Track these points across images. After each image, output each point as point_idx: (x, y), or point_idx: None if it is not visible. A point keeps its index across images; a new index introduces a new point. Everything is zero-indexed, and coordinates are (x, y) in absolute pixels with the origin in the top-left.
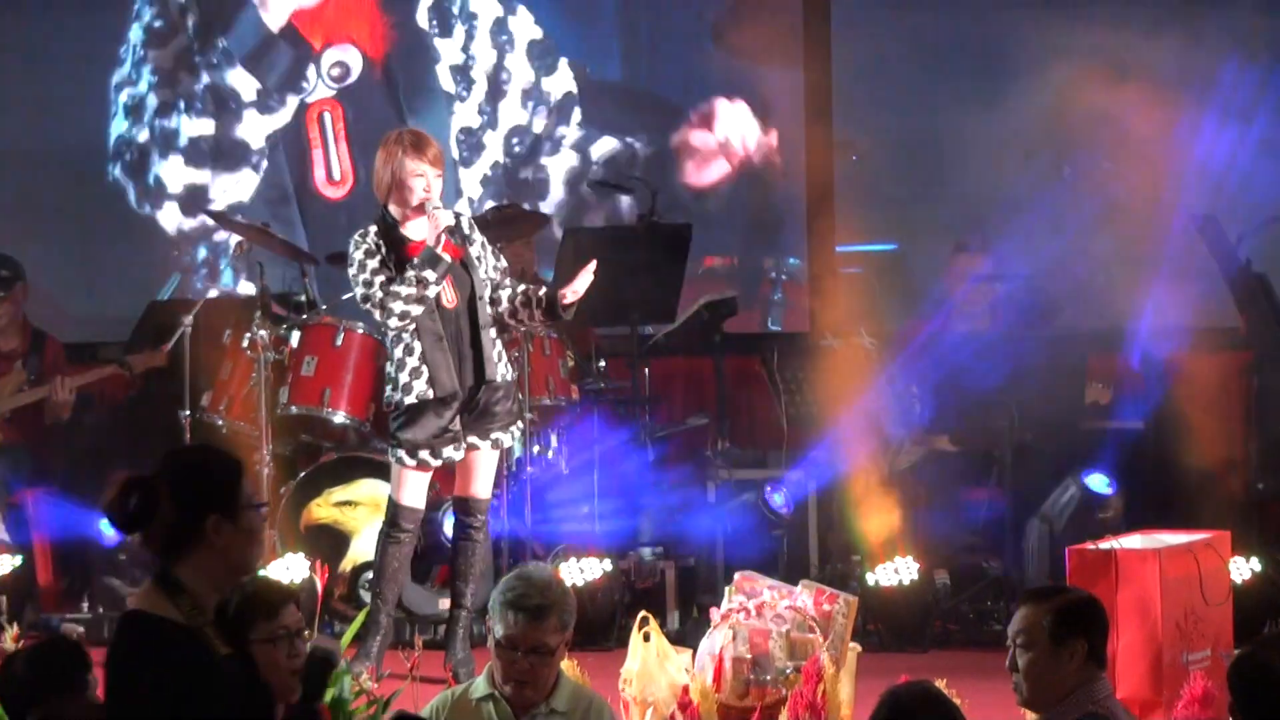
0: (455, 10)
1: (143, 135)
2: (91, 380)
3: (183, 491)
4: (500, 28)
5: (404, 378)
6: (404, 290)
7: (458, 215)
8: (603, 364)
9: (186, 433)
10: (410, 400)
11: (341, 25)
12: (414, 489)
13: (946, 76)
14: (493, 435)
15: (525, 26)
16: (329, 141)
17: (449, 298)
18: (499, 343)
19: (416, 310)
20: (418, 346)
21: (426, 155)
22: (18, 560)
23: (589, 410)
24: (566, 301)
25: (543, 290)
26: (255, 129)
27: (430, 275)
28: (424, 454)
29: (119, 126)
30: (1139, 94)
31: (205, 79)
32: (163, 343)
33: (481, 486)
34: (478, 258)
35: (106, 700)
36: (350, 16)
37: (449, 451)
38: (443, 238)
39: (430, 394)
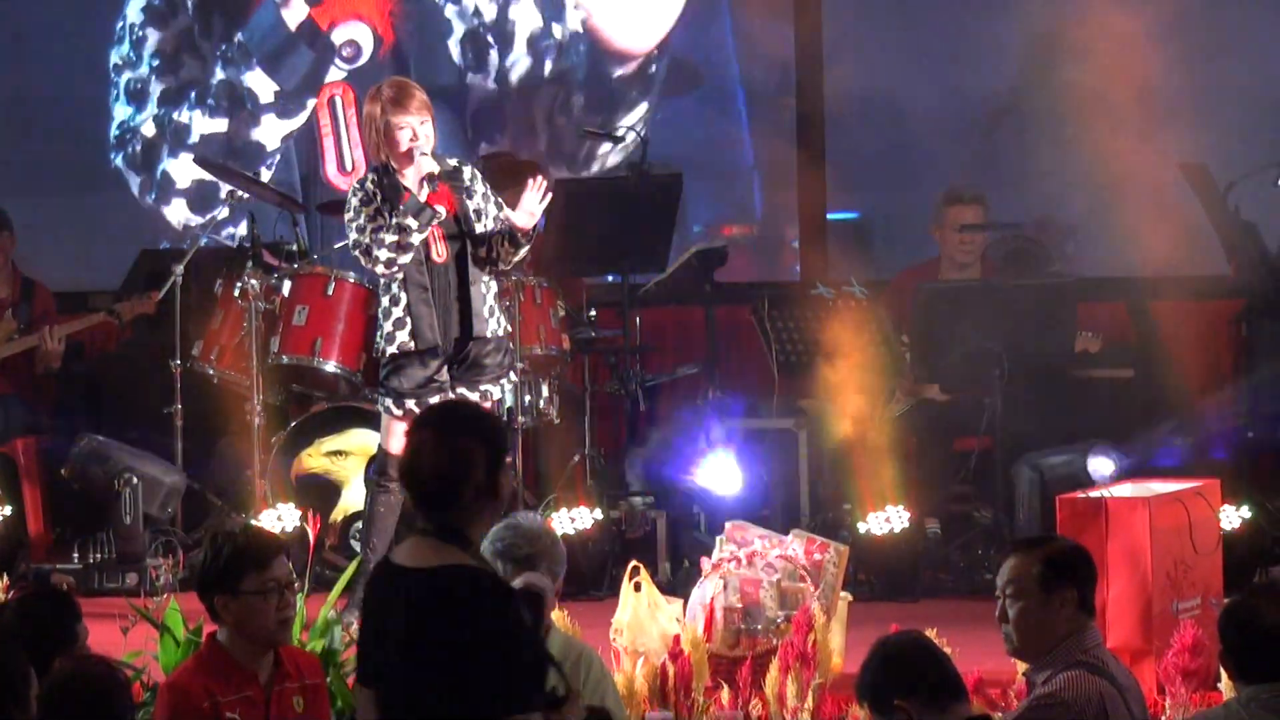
0: None
1: (148, 127)
2: (81, 329)
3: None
4: None
5: (388, 327)
6: (388, 238)
7: (459, 166)
8: (593, 313)
9: (177, 381)
10: (393, 350)
11: (350, 2)
12: (402, 438)
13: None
14: (482, 387)
15: None
16: (340, 128)
17: (438, 252)
18: (490, 296)
19: (403, 258)
20: (404, 297)
21: (409, 107)
22: (8, 510)
23: (580, 359)
24: (520, 225)
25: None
26: (272, 132)
27: (412, 224)
28: (410, 403)
29: (122, 112)
30: (1128, 31)
31: (219, 74)
32: (153, 291)
33: None
34: (476, 210)
35: (451, 657)
36: None
37: (435, 401)
38: (424, 186)
39: (412, 345)
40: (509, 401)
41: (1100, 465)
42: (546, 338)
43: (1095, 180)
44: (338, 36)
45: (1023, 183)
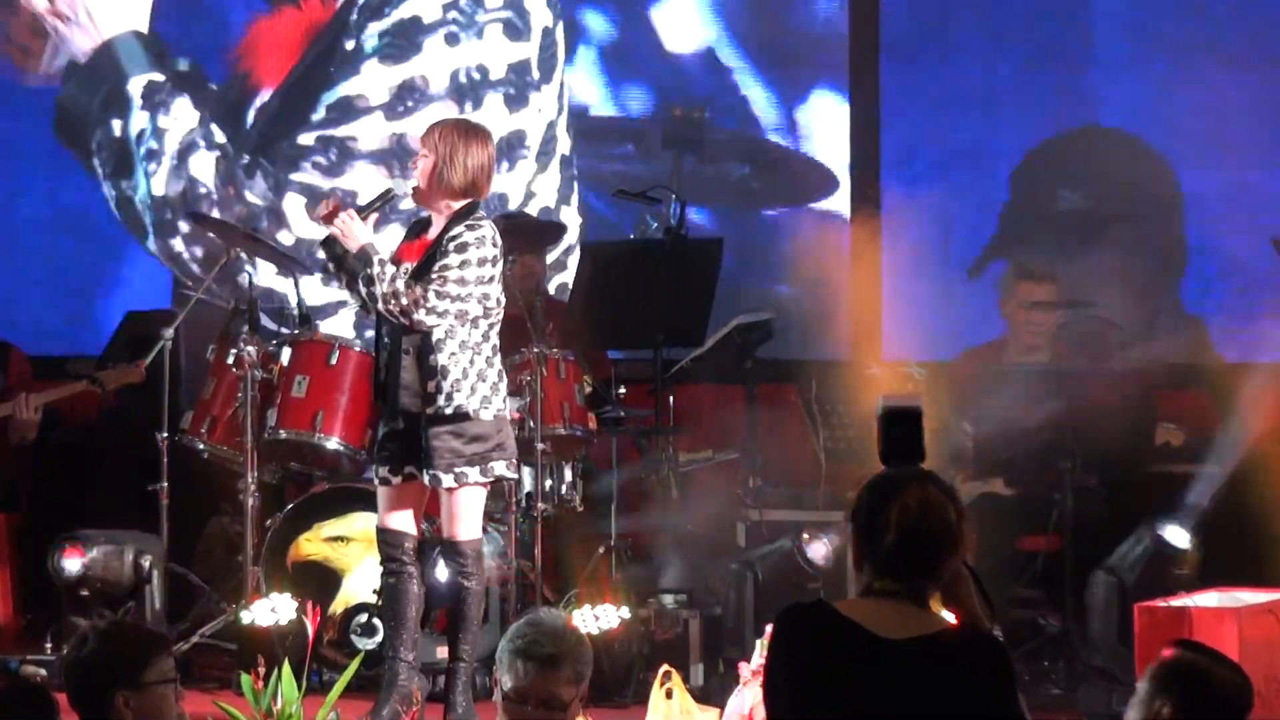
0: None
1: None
2: (60, 397)
3: None
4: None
5: None
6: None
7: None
8: (622, 390)
9: (164, 457)
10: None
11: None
12: (381, 505)
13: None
14: (431, 471)
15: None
16: None
17: None
18: (443, 368)
19: (361, 302)
20: None
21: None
22: None
23: (607, 441)
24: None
25: None
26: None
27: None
28: (374, 464)
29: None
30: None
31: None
32: (140, 357)
33: (454, 527)
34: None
35: None
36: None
37: (384, 471)
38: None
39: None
40: (528, 486)
41: (1175, 536)
42: (570, 416)
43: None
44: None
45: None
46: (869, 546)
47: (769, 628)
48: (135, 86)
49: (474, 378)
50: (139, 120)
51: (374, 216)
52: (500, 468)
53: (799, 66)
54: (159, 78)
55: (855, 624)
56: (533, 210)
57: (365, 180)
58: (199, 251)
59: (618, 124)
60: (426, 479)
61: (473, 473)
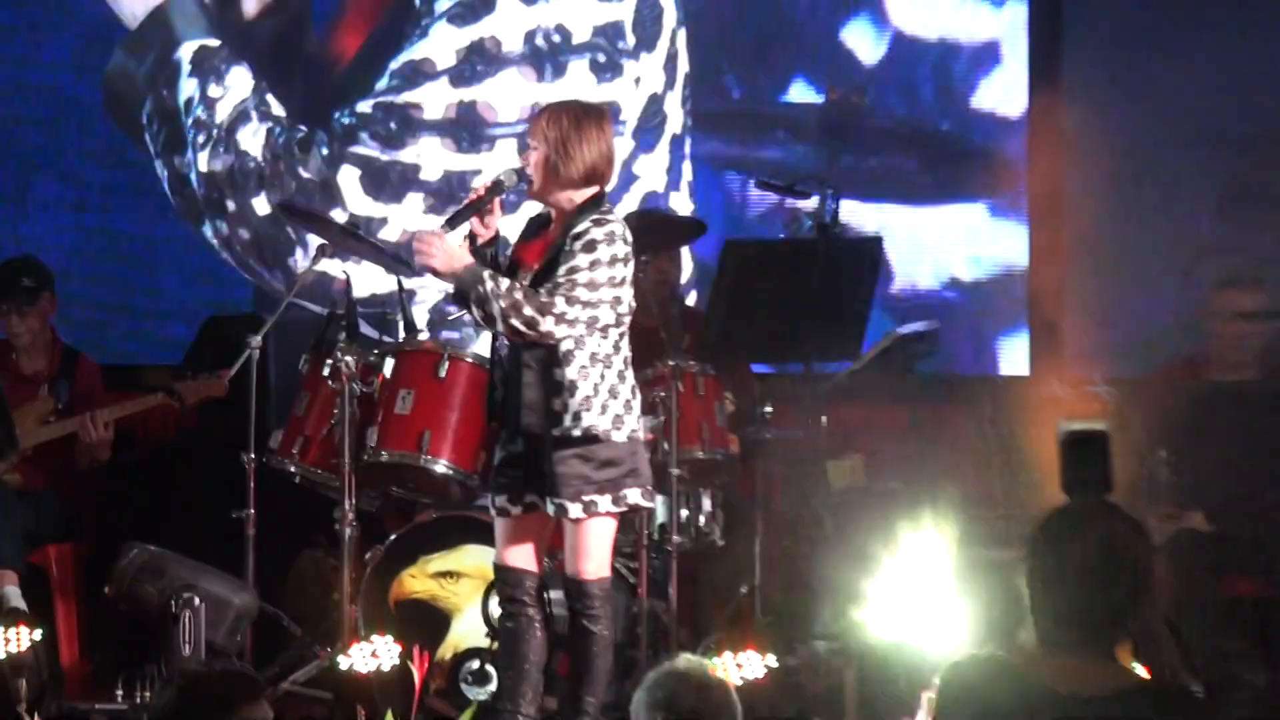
0: None
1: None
2: (133, 413)
3: None
4: None
5: None
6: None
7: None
8: (769, 409)
9: (251, 480)
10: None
11: None
12: (499, 539)
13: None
14: (556, 500)
15: None
16: None
17: None
18: (570, 383)
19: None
20: None
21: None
22: (37, 634)
23: (752, 466)
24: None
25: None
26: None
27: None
28: (490, 492)
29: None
30: None
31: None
32: (224, 367)
33: (581, 562)
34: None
35: None
36: None
37: (502, 500)
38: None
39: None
40: (661, 517)
41: None
42: (710, 439)
43: None
44: None
45: None
46: (1047, 591)
47: (936, 681)
48: (186, 52)
49: (605, 394)
50: (187, 88)
51: (465, 226)
52: (634, 495)
53: (975, 44)
54: (214, 43)
55: (1034, 679)
56: (635, 197)
57: (427, 153)
58: (245, 235)
59: (762, 107)
60: (551, 509)
61: (603, 501)
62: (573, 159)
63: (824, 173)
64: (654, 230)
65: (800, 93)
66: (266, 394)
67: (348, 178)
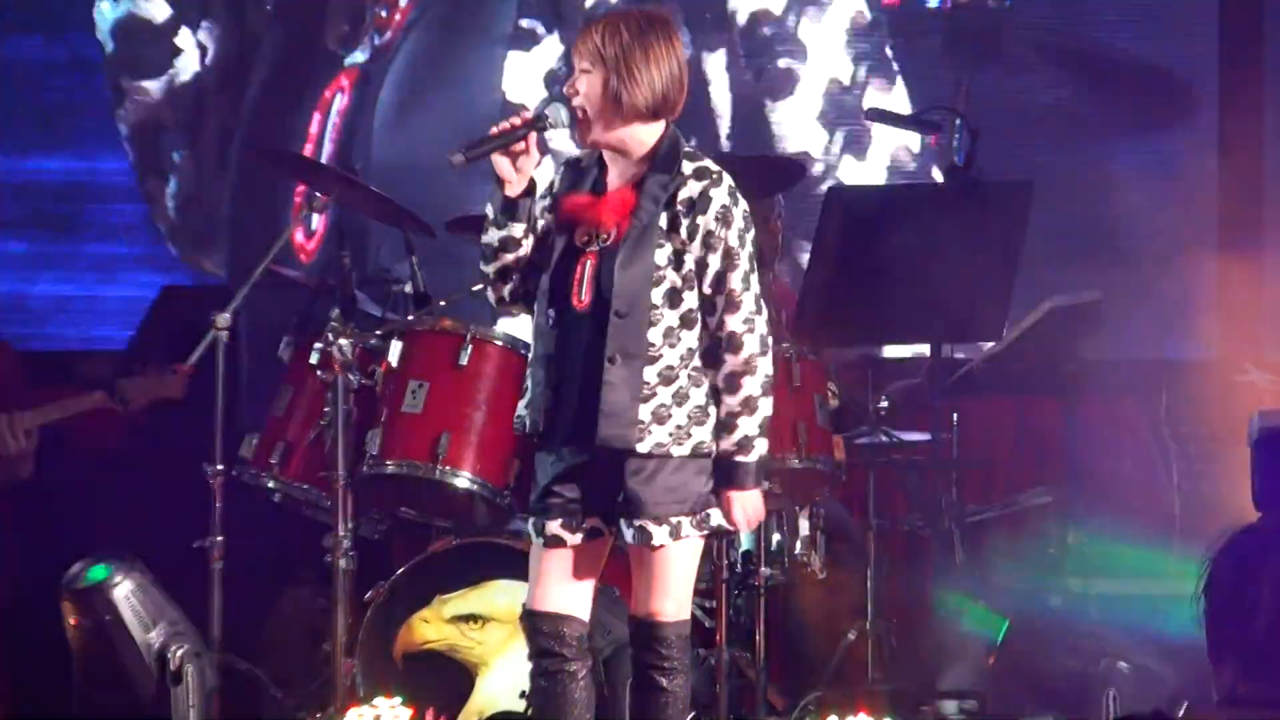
0: None
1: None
2: (65, 416)
3: None
4: None
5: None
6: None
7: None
8: (884, 404)
9: (216, 500)
10: (519, 430)
11: None
12: (540, 577)
13: None
14: (638, 522)
15: None
16: None
17: (580, 294)
18: (659, 385)
19: (494, 283)
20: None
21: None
22: None
23: (862, 477)
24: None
25: None
26: None
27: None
28: (533, 520)
29: None
30: None
31: None
32: (181, 357)
33: (660, 600)
34: (662, 224)
35: None
36: None
37: (556, 526)
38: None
39: (524, 426)
40: (746, 543)
41: None
42: (808, 443)
43: None
44: None
45: None
46: (1231, 632)
47: None
48: None
49: (702, 397)
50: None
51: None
52: (717, 515)
53: None
54: None
55: None
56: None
57: None
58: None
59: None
60: (629, 535)
61: (687, 524)
62: (639, 83)
63: (952, 99)
64: (749, 176)
65: None
66: (237, 388)
67: None
